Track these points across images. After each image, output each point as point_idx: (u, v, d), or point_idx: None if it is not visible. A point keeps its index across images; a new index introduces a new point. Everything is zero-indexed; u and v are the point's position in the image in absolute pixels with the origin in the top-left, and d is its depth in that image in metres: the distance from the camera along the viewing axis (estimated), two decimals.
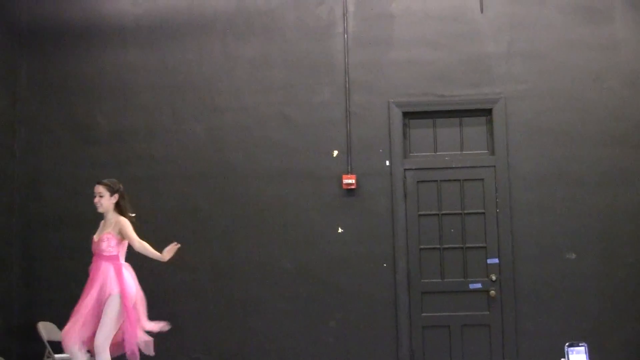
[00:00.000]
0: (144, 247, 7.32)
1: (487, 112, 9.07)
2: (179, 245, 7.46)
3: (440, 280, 8.98)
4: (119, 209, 7.41)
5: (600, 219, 8.90)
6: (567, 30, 9.07)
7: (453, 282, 8.97)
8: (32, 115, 9.37)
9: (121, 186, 7.49)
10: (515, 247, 8.88)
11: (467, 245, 8.98)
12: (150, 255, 7.38)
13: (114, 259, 7.28)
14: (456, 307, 8.94)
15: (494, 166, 9.00)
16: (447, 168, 9.06)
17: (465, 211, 9.02)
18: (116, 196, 7.38)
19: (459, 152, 9.12)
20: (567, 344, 8.15)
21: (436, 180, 9.07)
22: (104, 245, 7.24)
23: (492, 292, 8.88)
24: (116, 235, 7.28)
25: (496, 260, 8.90)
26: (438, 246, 9.01)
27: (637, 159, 8.93)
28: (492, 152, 9.04)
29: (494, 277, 8.89)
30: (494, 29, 9.12)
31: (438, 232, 9.03)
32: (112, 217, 7.38)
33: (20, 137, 9.32)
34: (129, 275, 7.35)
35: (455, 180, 9.06)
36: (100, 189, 7.38)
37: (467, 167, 9.05)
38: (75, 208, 9.14)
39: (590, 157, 8.95)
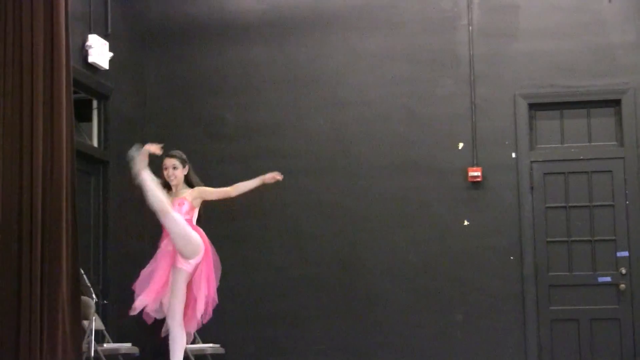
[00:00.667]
0: (237, 187, 7.16)
1: (616, 103, 9.03)
2: (280, 176, 7.30)
3: (568, 273, 8.99)
4: (188, 181, 7.19)
5: None
6: None
7: (581, 275, 8.97)
8: (160, 113, 9.71)
9: None
10: None
11: (596, 238, 8.97)
12: (249, 187, 7.19)
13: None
14: (585, 300, 8.93)
15: (623, 158, 8.96)
16: (574, 160, 9.06)
17: (594, 203, 9.01)
18: (187, 167, 7.17)
19: (587, 144, 9.10)
20: None
21: (563, 172, 9.07)
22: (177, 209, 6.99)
23: (622, 286, 8.85)
24: (191, 202, 7.07)
25: (626, 254, 8.87)
26: (566, 239, 9.02)
27: None
28: (621, 144, 9.00)
29: (623, 271, 8.86)
30: (620, 18, 9.07)
31: (565, 225, 9.03)
32: (183, 189, 7.15)
33: (149, 133, 9.66)
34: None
35: (583, 172, 9.05)
36: (173, 161, 7.08)
37: (595, 158, 9.03)
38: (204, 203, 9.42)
39: None
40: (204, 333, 8.67)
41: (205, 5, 9.72)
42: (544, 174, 9.08)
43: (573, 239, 8.99)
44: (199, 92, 9.66)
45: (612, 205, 8.96)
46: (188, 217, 7.01)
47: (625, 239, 8.88)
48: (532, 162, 9.08)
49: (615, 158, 8.99)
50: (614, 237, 8.92)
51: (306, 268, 9.30)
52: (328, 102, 9.44)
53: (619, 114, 9.03)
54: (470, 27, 9.23)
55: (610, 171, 8.99)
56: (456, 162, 9.14)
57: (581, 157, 9.04)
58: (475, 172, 9.04)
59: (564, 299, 8.96)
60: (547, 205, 9.06)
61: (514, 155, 9.07)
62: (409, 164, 9.24)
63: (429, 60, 9.30)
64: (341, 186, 9.36)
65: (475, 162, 9.11)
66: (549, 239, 9.03)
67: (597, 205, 8.99)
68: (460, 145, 9.15)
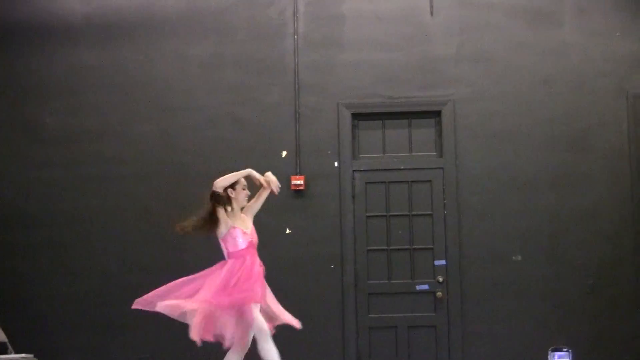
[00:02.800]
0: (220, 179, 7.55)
1: (436, 114, 9.61)
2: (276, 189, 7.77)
3: (387, 281, 9.54)
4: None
5: (548, 222, 9.46)
6: (516, 34, 9.60)
7: (400, 283, 9.53)
8: None
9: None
10: (462, 249, 9.44)
11: (415, 246, 9.54)
12: (235, 177, 7.60)
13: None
14: (403, 308, 9.48)
15: (442, 168, 9.54)
16: (395, 169, 9.59)
17: (413, 213, 9.59)
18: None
19: (408, 154, 9.67)
20: (550, 348, 8.79)
21: (384, 182, 9.62)
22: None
23: (439, 294, 9.45)
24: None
25: (443, 262, 9.46)
26: (385, 247, 9.58)
27: (584, 163, 9.47)
28: (441, 154, 9.59)
29: (440, 279, 9.45)
30: (443, 31, 9.65)
31: (386, 234, 9.58)
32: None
33: None
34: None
35: (403, 181, 9.61)
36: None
37: (416, 168, 9.58)
38: (25, 208, 9.70)
39: (538, 160, 9.49)
40: (18, 342, 8.95)
41: (27, 6, 9.90)
42: (366, 183, 9.60)
43: (392, 247, 9.54)
44: (22, 95, 9.83)
45: (431, 215, 9.54)
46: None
47: (442, 248, 9.46)
48: (354, 171, 9.60)
49: (435, 168, 9.57)
50: (432, 246, 9.50)
51: (131, 275, 9.61)
52: (156, 108, 9.76)
53: (439, 125, 9.62)
54: (296, 36, 9.69)
55: (430, 181, 9.56)
56: (279, 170, 9.51)
57: (402, 167, 9.59)
58: (298, 181, 9.50)
59: (383, 307, 9.49)
60: (368, 214, 9.58)
61: (336, 164, 9.57)
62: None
63: (256, 68, 9.72)
64: (168, 192, 9.68)
65: (298, 170, 9.57)
66: (369, 248, 9.56)
67: (416, 215, 9.56)
68: (284, 153, 9.61)
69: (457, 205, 9.46)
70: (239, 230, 7.51)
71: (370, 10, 9.69)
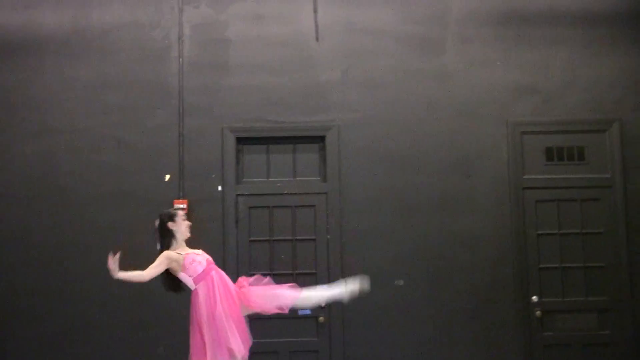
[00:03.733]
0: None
1: (321, 139, 9.83)
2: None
3: None
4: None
5: (431, 246, 9.71)
6: (401, 60, 9.88)
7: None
8: None
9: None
10: (345, 274, 9.60)
11: (298, 271, 9.72)
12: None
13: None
14: (285, 333, 9.64)
15: (326, 193, 9.76)
16: (279, 194, 9.78)
17: (297, 237, 9.77)
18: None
19: (292, 179, 9.86)
20: None
21: (268, 206, 9.80)
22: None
23: (321, 318, 9.64)
24: None
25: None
26: (269, 272, 9.72)
27: (467, 188, 9.77)
28: (325, 179, 9.81)
29: (323, 304, 9.65)
30: (329, 57, 9.88)
31: (269, 258, 9.75)
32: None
33: None
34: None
35: (287, 206, 9.80)
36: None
37: (300, 193, 9.78)
38: None
39: (422, 185, 9.75)
40: None
41: None
42: (250, 207, 9.74)
43: (276, 272, 9.67)
44: None
45: (314, 240, 9.73)
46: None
47: (325, 273, 9.64)
48: (237, 195, 9.73)
49: (319, 193, 9.77)
50: (314, 271, 9.68)
51: (15, 299, 9.59)
52: (37, 129, 9.77)
53: (323, 150, 9.83)
54: (181, 59, 9.81)
55: (314, 206, 9.76)
56: (163, 193, 9.66)
57: (286, 192, 9.78)
58: (181, 204, 9.61)
59: (265, 332, 9.60)
60: (252, 238, 9.74)
61: (220, 188, 9.71)
62: (118, 194, 9.69)
63: (141, 90, 9.80)
64: (49, 216, 9.71)
65: (181, 194, 9.69)
66: (252, 272, 9.65)
67: (300, 240, 9.74)
68: (167, 177, 9.72)
69: (340, 229, 9.66)
70: (191, 255, 7.51)
71: (256, 35, 9.87)
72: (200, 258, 7.52)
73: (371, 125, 9.77)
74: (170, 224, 7.58)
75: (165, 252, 7.48)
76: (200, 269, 7.47)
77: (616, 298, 9.74)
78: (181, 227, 7.61)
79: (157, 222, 7.62)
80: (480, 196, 9.75)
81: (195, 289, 7.44)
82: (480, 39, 9.89)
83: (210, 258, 7.64)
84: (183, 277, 7.49)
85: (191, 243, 9.37)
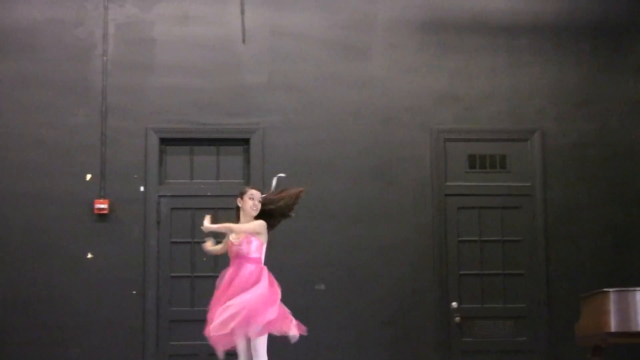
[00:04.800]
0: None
1: (245, 142, 9.97)
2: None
3: (190, 308, 9.81)
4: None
5: (352, 252, 9.88)
6: (328, 65, 10.05)
7: (203, 310, 9.78)
8: None
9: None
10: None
11: (218, 273, 9.84)
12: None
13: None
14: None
15: None
16: (202, 196, 9.90)
17: (218, 240, 9.89)
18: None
19: (215, 181, 10.01)
20: None
21: (191, 208, 9.91)
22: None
23: None
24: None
25: None
26: (189, 274, 9.87)
27: (389, 195, 9.97)
28: (248, 182, 9.96)
29: None
30: (255, 59, 10.01)
31: (190, 260, 9.86)
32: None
33: None
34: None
35: (209, 208, 9.89)
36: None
37: (223, 195, 9.90)
38: None
39: (345, 191, 9.91)
40: None
41: None
42: (172, 208, 9.84)
43: (197, 274, 9.77)
44: None
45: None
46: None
47: None
48: (160, 196, 9.82)
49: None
50: None
51: None
52: None
53: (247, 153, 9.98)
54: (105, 58, 9.88)
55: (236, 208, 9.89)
56: (84, 193, 9.72)
57: (209, 194, 9.92)
58: (102, 205, 9.68)
59: (186, 334, 9.69)
60: (173, 240, 9.83)
61: (142, 188, 9.81)
62: (38, 194, 9.67)
63: (63, 88, 9.81)
64: None
65: (102, 194, 9.76)
66: (172, 274, 9.82)
67: (221, 242, 9.85)
68: (88, 176, 9.78)
69: None
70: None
71: (182, 36, 9.98)
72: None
73: (295, 130, 9.95)
74: (238, 200, 7.74)
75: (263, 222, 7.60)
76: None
77: (533, 305, 10.04)
78: (246, 205, 7.70)
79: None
80: (402, 202, 9.98)
81: (263, 265, 7.63)
82: (405, 46, 10.14)
83: (238, 250, 7.82)
84: (259, 242, 7.63)
85: (111, 244, 9.52)
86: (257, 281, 7.61)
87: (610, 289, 7.86)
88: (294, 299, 9.54)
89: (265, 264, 9.30)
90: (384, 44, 10.10)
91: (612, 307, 7.96)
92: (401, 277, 9.91)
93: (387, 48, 10.10)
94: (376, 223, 9.88)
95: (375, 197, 9.93)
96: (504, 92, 10.15)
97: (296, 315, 9.53)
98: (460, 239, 10.05)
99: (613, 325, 7.94)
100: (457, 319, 9.94)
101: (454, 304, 9.95)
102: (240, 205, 7.74)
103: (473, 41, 10.17)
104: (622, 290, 7.94)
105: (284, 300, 9.33)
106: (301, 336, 9.59)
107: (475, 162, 10.17)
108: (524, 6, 10.24)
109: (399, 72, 10.08)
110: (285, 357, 9.63)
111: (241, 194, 7.76)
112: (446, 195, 10.05)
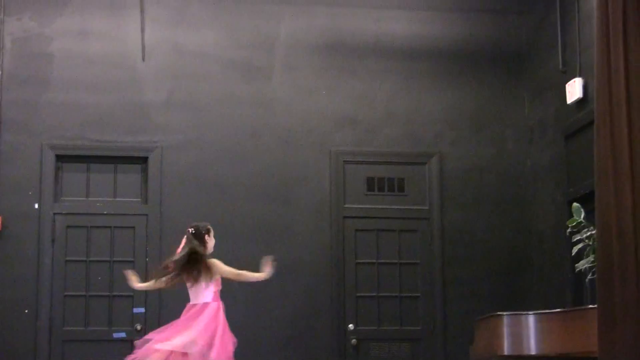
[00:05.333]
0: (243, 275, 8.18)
1: (143, 160, 9.94)
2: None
3: (84, 328, 9.75)
4: None
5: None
6: (228, 85, 10.11)
7: (97, 330, 9.78)
8: None
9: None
10: (162, 297, 9.75)
11: (114, 293, 9.82)
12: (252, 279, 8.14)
13: None
14: (99, 356, 9.68)
15: (147, 215, 9.90)
16: (98, 214, 9.85)
17: (114, 259, 9.86)
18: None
19: (112, 199, 9.96)
20: None
21: (86, 226, 9.87)
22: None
23: (137, 342, 9.71)
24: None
25: (142, 310, 9.78)
26: (84, 293, 9.80)
27: (288, 216, 10.03)
28: (145, 201, 9.96)
29: (139, 327, 9.74)
30: (154, 77, 10.00)
31: (85, 279, 9.82)
32: None
33: None
34: None
35: (106, 226, 9.90)
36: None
37: (119, 214, 9.90)
38: None
39: (242, 211, 9.96)
40: None
41: None
42: (67, 226, 9.76)
43: (91, 293, 9.71)
44: None
45: (132, 262, 9.82)
46: None
47: (142, 295, 9.68)
48: (55, 214, 9.73)
49: (139, 214, 9.91)
50: (131, 294, 9.74)
51: None
52: None
53: (145, 172, 9.98)
54: (0, 72, 9.84)
55: (133, 227, 9.89)
56: None
57: (105, 212, 9.88)
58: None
59: (79, 354, 9.62)
60: (68, 258, 9.72)
61: (36, 205, 9.73)
62: None
63: None
64: None
65: None
66: (66, 293, 9.74)
67: (118, 261, 9.80)
68: None
69: (160, 253, 9.77)
70: None
71: (80, 52, 9.95)
72: None
73: (194, 149, 9.98)
74: (206, 237, 7.88)
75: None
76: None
77: (429, 328, 10.19)
78: (210, 243, 7.93)
79: (191, 230, 7.82)
80: (300, 224, 10.07)
81: (217, 302, 7.83)
82: (306, 68, 10.26)
83: None
84: (210, 287, 7.82)
85: (3, 263, 9.42)
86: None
87: (504, 313, 8.01)
88: None
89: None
90: (285, 65, 10.20)
91: (505, 330, 8.10)
92: (298, 298, 9.97)
93: (288, 69, 10.20)
94: (274, 244, 9.92)
95: (274, 218, 9.99)
96: (403, 116, 10.33)
97: None
98: (358, 261, 10.15)
99: (506, 349, 8.08)
100: (354, 341, 10.03)
101: (351, 326, 10.04)
102: (207, 241, 7.93)
103: (373, 64, 10.34)
104: (515, 314, 8.08)
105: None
106: None
107: (374, 185, 10.31)
108: (424, 31, 10.45)
109: (299, 93, 10.18)
110: None
111: (208, 231, 7.99)
112: (344, 217, 10.16)
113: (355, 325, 10.05)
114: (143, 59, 9.97)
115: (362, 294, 10.12)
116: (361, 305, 10.11)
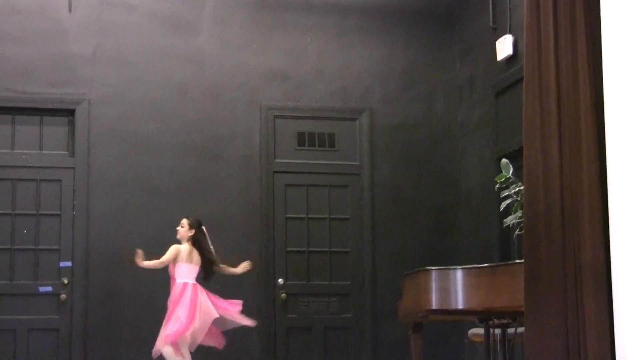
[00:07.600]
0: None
1: (70, 113, 9.77)
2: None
3: (8, 282, 9.52)
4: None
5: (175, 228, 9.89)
6: (155, 39, 9.93)
7: (23, 284, 9.62)
8: None
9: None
10: (89, 251, 9.68)
11: (40, 247, 9.66)
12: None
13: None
14: (25, 310, 9.52)
15: (74, 168, 9.72)
16: (24, 167, 9.65)
17: (40, 212, 9.70)
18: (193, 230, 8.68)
19: (38, 152, 9.78)
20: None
21: (12, 179, 9.68)
22: None
23: (63, 296, 9.61)
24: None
25: (69, 264, 9.65)
26: (9, 247, 9.58)
27: (216, 171, 9.97)
28: (72, 154, 9.79)
29: (65, 281, 9.63)
30: (81, 29, 9.79)
31: (10, 233, 9.59)
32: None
33: None
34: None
35: (32, 179, 9.71)
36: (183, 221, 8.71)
37: (45, 167, 9.72)
38: None
39: (171, 166, 9.85)
40: None
41: None
42: None
43: (16, 247, 9.55)
44: None
45: (59, 215, 9.69)
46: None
47: (70, 249, 9.59)
48: None
49: (66, 168, 9.74)
50: (58, 247, 9.65)
51: None
52: None
53: (72, 124, 9.80)
54: None
55: (60, 180, 9.72)
56: None
57: (30, 165, 9.70)
58: None
59: (4, 309, 9.52)
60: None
61: None
62: None
63: None
64: None
65: None
66: None
67: (44, 214, 9.65)
68: None
69: (87, 206, 9.66)
70: None
71: (5, 1, 9.71)
72: None
73: (122, 103, 9.82)
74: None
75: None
76: None
77: (358, 283, 10.25)
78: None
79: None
80: (230, 179, 10.01)
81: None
82: (235, 23, 10.14)
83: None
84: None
85: None
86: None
87: (432, 267, 8.05)
88: (117, 274, 9.52)
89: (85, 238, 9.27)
90: (214, 19, 10.09)
91: (433, 285, 8.11)
92: (228, 253, 9.87)
93: (217, 23, 10.09)
94: (203, 199, 9.87)
95: (203, 173, 9.92)
96: (334, 72, 10.30)
97: (118, 291, 9.50)
98: (287, 215, 10.14)
99: (434, 303, 8.11)
100: (283, 295, 10.05)
101: (280, 280, 10.06)
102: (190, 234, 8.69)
103: (304, 19, 10.28)
104: (443, 269, 8.11)
105: (105, 273, 9.33)
106: (121, 311, 9.55)
107: (305, 140, 10.29)
108: None
109: (228, 48, 10.09)
110: (107, 331, 9.53)
111: (200, 225, 8.74)
112: (275, 172, 10.14)
113: (285, 279, 10.07)
114: (69, 10, 9.78)
115: (291, 249, 10.14)
116: (291, 260, 10.13)
